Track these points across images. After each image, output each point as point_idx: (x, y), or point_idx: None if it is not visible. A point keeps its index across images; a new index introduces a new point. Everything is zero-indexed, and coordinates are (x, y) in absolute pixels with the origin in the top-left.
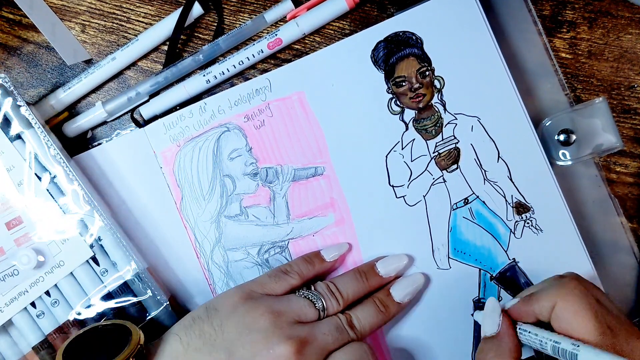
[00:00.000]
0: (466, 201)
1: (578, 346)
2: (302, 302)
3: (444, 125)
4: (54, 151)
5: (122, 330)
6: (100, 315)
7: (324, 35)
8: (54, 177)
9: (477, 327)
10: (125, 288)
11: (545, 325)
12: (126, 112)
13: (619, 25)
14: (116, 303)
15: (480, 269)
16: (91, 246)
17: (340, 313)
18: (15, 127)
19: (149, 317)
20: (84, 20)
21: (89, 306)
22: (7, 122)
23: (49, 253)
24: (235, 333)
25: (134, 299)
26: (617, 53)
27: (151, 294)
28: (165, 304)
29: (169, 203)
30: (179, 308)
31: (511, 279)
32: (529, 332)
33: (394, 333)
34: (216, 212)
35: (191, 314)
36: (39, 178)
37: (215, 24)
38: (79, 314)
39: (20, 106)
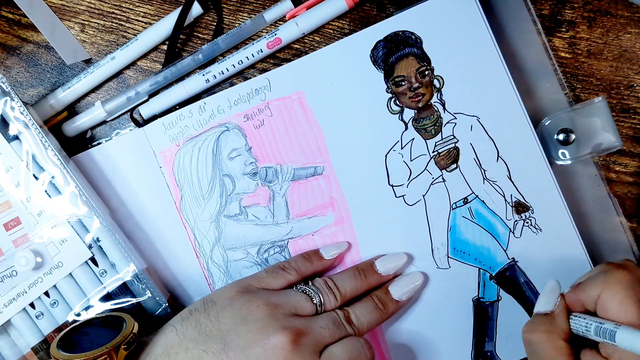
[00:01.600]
0: (465, 201)
1: (619, 326)
2: (299, 296)
3: (443, 125)
4: (51, 152)
5: (116, 321)
6: None
7: (324, 34)
8: (52, 177)
9: (476, 326)
10: (124, 289)
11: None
12: (126, 112)
13: (618, 25)
14: (115, 304)
15: (479, 269)
16: (90, 247)
17: (338, 309)
18: (13, 128)
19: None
20: (83, 20)
21: (88, 307)
22: (4, 122)
23: (47, 254)
24: (231, 324)
25: (133, 300)
26: (616, 52)
27: (150, 295)
28: (164, 305)
29: (168, 203)
30: (178, 308)
31: (510, 279)
32: (577, 317)
33: (393, 332)
34: (216, 211)
35: (189, 307)
36: (37, 179)
37: (215, 24)
38: (78, 314)
39: (17, 106)
